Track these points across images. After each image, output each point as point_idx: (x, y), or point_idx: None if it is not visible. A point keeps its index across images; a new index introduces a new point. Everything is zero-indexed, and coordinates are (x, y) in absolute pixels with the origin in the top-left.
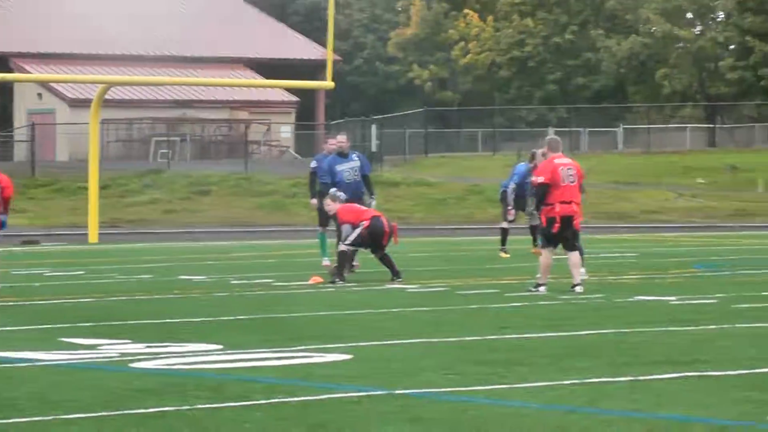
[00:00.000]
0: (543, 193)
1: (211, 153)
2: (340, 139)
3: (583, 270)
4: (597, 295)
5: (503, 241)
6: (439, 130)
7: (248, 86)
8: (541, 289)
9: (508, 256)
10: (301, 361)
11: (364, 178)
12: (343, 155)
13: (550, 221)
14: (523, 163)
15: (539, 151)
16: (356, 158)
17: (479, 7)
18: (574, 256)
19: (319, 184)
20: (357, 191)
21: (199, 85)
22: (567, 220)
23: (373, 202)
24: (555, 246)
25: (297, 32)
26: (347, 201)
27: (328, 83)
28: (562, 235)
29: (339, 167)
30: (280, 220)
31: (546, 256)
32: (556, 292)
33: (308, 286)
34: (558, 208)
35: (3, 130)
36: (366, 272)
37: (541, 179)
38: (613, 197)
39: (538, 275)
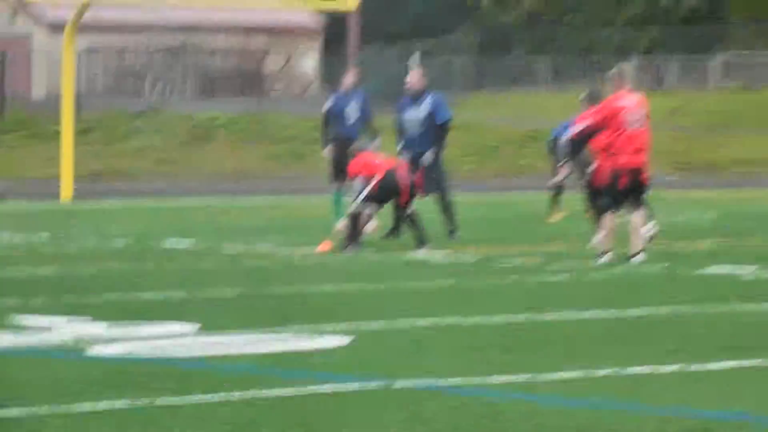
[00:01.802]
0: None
1: (219, 89)
2: (349, 75)
3: (652, 227)
4: (659, 266)
5: (555, 200)
6: (496, 59)
7: (262, 7)
8: (606, 257)
9: (559, 217)
10: (290, 347)
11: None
12: (414, 97)
13: (615, 175)
14: None
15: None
16: (429, 103)
17: None
18: (637, 218)
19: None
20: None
21: (205, 7)
22: (634, 173)
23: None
24: (620, 205)
25: None
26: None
27: (349, 3)
28: (628, 192)
29: (406, 115)
30: (298, 172)
31: (610, 218)
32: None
33: (315, 255)
34: (624, 158)
35: None
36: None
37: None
38: (703, 144)
39: (600, 240)
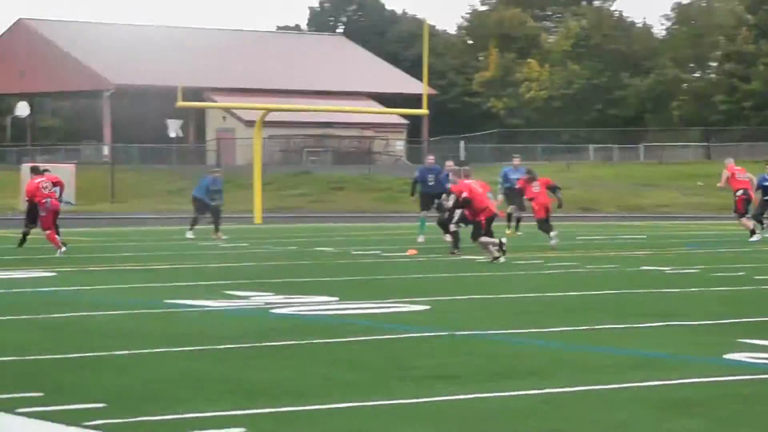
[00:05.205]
0: None
1: (345, 161)
2: (429, 157)
3: None
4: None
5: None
6: (509, 144)
7: (368, 113)
8: None
9: None
10: (390, 310)
11: None
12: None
13: None
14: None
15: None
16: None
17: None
18: None
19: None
20: None
21: (336, 111)
22: None
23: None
24: None
25: (407, 73)
26: None
27: (423, 111)
28: None
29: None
30: (393, 209)
31: None
32: None
33: (406, 256)
34: None
35: (198, 142)
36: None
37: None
38: (633, 195)
39: None
